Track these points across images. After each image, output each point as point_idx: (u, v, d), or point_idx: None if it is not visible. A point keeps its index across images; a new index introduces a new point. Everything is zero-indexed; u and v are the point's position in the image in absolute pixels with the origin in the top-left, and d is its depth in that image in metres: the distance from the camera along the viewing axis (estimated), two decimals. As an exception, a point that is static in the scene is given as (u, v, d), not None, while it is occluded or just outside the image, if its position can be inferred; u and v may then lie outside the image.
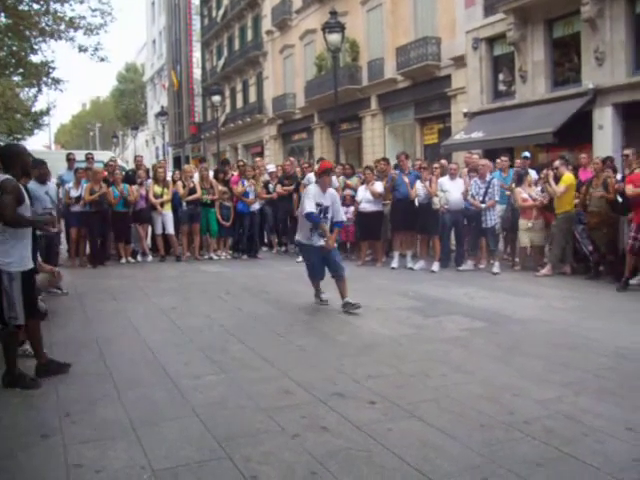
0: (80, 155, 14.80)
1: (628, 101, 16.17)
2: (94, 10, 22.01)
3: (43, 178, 8.82)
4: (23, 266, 5.23)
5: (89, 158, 14.03)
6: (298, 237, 8.56)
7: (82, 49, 22.46)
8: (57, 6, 21.35)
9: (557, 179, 10.70)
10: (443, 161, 13.38)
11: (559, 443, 3.99)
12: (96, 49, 22.76)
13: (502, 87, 20.76)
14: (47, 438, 4.19)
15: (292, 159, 16.30)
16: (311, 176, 13.11)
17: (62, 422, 4.44)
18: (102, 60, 23.55)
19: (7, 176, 5.12)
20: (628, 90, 16.06)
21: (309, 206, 8.05)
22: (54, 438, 4.18)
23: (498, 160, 12.66)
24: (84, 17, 21.91)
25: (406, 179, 11.63)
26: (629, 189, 9.24)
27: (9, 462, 3.87)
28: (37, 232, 6.32)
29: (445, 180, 11.63)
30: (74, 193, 12.47)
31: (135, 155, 17.57)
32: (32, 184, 7.63)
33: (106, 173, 13.26)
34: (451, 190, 11.45)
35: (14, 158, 5.30)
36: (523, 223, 11.22)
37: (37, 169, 8.34)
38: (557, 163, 11.07)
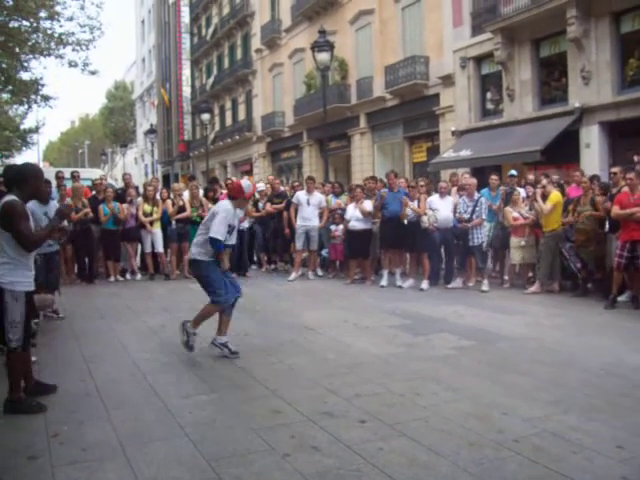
0: (69, 173, 14.76)
1: (614, 120, 16.38)
2: (83, 26, 22.13)
3: (45, 197, 7.96)
4: (27, 286, 5.14)
5: (75, 176, 13.99)
6: (203, 256, 6.92)
7: (72, 64, 22.53)
8: (47, 23, 21.46)
9: (545, 197, 10.78)
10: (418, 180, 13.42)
11: (548, 461, 4.00)
12: (86, 64, 22.85)
13: (490, 106, 20.97)
14: (34, 460, 4.16)
15: (271, 177, 16.59)
16: (300, 194, 13.16)
17: (50, 443, 4.41)
18: (93, 74, 23.61)
19: (12, 197, 4.96)
20: (614, 109, 16.27)
21: (221, 232, 6.75)
22: (42, 459, 4.15)
23: (494, 177, 12.65)
24: (73, 33, 22.04)
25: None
26: (615, 210, 9.32)
27: (-4, 484, 3.85)
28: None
29: (435, 198, 11.68)
30: (58, 210, 12.42)
31: (123, 173, 17.55)
32: (32, 204, 7.01)
33: (90, 191, 13.21)
34: (441, 208, 11.49)
35: (28, 179, 5.15)
36: (516, 241, 11.26)
37: None
38: (544, 181, 11.17)
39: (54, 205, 8.04)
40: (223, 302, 6.93)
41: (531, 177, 11.80)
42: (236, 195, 7.03)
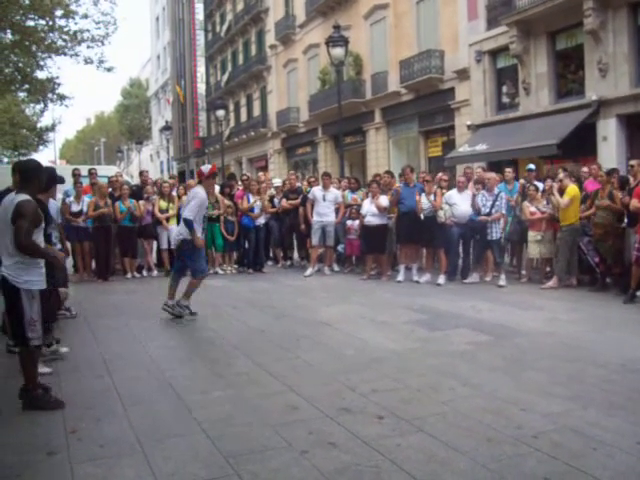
0: (85, 170, 14.84)
1: (632, 112, 16.23)
2: (97, 23, 22.17)
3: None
4: (41, 285, 5.14)
5: (92, 173, 14.06)
6: (185, 235, 8.68)
7: (88, 61, 22.58)
8: (62, 21, 21.52)
9: (561, 191, 10.69)
10: (440, 174, 13.32)
11: (568, 457, 3.96)
12: (101, 61, 22.91)
13: (505, 99, 20.84)
14: (53, 455, 4.18)
15: (291, 173, 16.53)
16: (316, 190, 13.14)
17: (68, 439, 4.43)
18: (108, 70, 23.65)
19: (26, 197, 4.93)
20: (632, 101, 16.11)
21: (191, 213, 8.50)
22: (60, 455, 4.17)
23: (508, 169, 12.64)
24: (88, 30, 22.08)
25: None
26: (634, 203, 9.22)
27: (15, 480, 3.85)
28: None
29: (454, 193, 11.60)
30: (75, 208, 12.47)
31: (140, 170, 17.62)
32: None
33: (109, 188, 13.26)
34: (459, 203, 11.42)
35: (31, 174, 5.15)
36: (532, 235, 11.19)
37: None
38: (561, 175, 11.07)
39: (53, 203, 8.07)
40: (202, 273, 8.90)
41: (561, 175, 11.57)
42: (200, 178, 8.96)
